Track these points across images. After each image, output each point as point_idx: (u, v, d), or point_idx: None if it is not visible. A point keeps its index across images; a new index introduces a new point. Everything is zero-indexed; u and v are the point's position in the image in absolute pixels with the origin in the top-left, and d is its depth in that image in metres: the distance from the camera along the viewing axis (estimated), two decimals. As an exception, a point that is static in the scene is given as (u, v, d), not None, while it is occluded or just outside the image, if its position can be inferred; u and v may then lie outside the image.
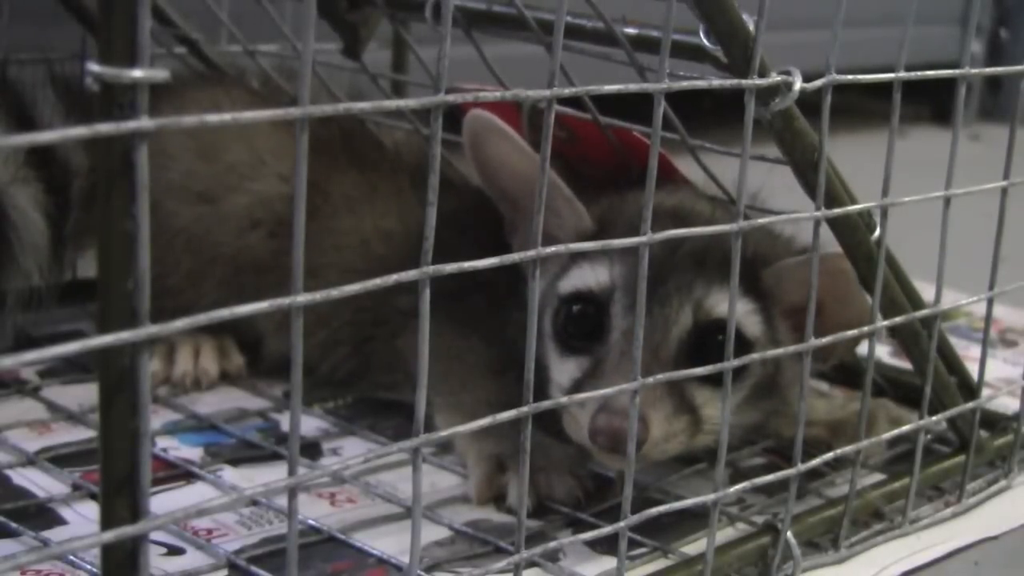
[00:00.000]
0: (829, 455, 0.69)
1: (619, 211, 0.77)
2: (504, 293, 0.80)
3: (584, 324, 0.74)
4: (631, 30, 0.71)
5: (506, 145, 0.75)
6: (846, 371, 0.91)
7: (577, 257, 0.75)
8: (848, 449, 0.69)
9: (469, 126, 0.76)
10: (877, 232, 0.70)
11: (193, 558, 0.68)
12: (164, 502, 0.73)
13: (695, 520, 0.73)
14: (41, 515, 0.72)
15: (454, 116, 0.80)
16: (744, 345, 0.73)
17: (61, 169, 0.95)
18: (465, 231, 0.78)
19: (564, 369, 0.74)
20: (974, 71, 0.73)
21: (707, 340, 0.72)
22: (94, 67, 0.40)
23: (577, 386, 0.72)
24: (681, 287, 0.73)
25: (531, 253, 0.53)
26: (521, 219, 0.79)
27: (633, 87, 0.57)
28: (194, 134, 0.92)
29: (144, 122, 0.40)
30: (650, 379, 0.59)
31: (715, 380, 0.65)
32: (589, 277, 0.75)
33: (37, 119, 0.96)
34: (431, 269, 0.49)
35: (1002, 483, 0.83)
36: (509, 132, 0.75)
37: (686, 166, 0.80)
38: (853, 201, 0.69)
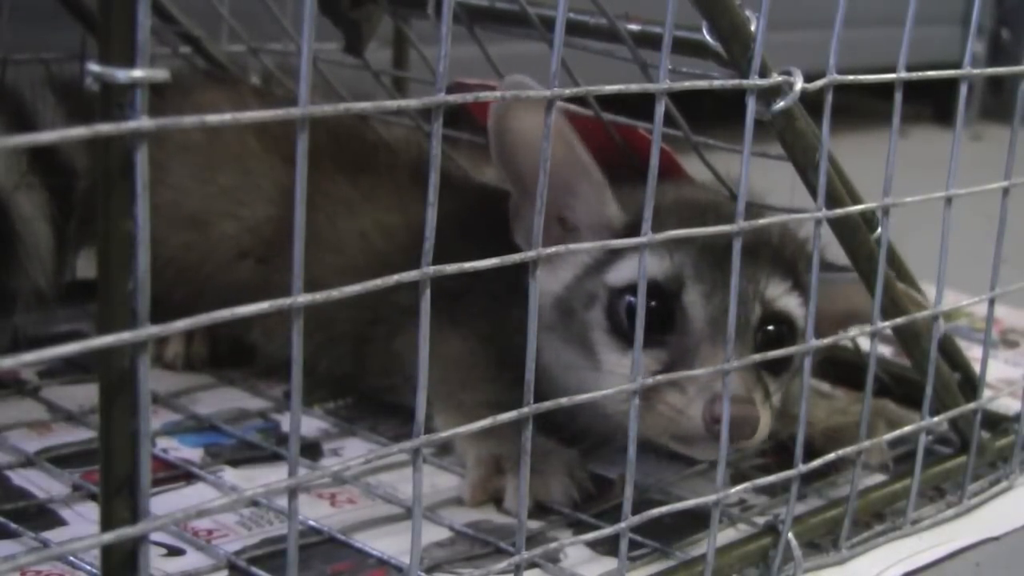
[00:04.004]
0: (831, 456, 0.69)
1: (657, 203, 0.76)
2: (503, 291, 0.79)
3: (648, 316, 0.74)
4: (634, 26, 0.71)
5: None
6: (849, 370, 0.91)
7: (620, 249, 0.74)
8: (849, 450, 0.69)
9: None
10: (878, 231, 0.70)
11: (193, 559, 0.68)
12: (164, 503, 0.73)
13: (696, 521, 0.72)
14: (41, 516, 0.72)
15: (455, 112, 0.80)
16: (796, 337, 0.75)
17: (65, 173, 0.95)
18: (465, 231, 0.78)
19: (629, 364, 0.72)
20: (976, 71, 0.73)
21: (767, 332, 0.74)
22: (94, 67, 0.40)
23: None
24: (750, 279, 0.74)
25: (531, 253, 0.53)
26: (529, 204, 0.76)
27: (634, 87, 0.57)
28: (192, 150, 0.92)
29: (144, 122, 0.40)
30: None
31: (775, 371, 0.74)
32: (649, 267, 0.74)
33: (38, 122, 0.96)
34: (431, 269, 0.49)
35: (1003, 484, 0.83)
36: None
37: (690, 164, 0.80)
38: (856, 201, 0.69)
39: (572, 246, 0.57)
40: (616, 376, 0.73)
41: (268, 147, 0.93)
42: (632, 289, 0.73)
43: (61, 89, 0.98)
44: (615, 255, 0.75)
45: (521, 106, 0.72)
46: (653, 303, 0.72)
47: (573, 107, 0.76)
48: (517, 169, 0.76)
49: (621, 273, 0.74)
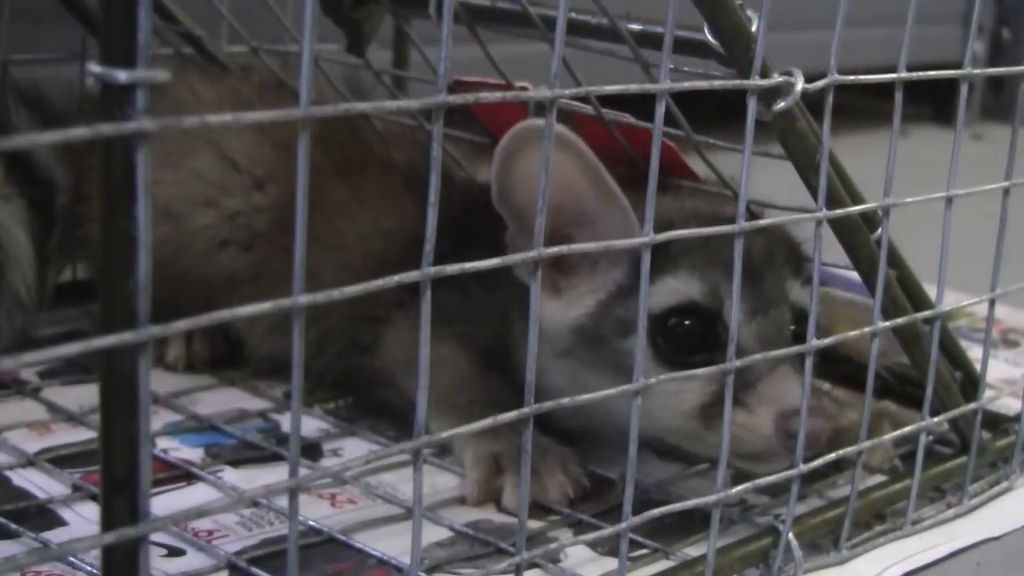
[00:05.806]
0: (831, 456, 0.69)
1: (681, 221, 0.75)
2: (479, 291, 0.79)
3: (693, 338, 0.73)
4: (635, 26, 0.71)
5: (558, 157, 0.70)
6: (849, 368, 0.91)
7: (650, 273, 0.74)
8: (850, 450, 0.69)
9: (517, 135, 0.69)
10: (878, 231, 0.70)
11: (193, 559, 0.68)
12: (164, 503, 0.73)
13: (696, 521, 0.72)
14: (41, 516, 0.72)
15: (452, 109, 0.79)
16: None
17: (43, 185, 0.94)
18: (464, 233, 0.77)
19: (691, 388, 0.72)
20: (976, 71, 0.73)
21: (793, 332, 0.74)
22: (94, 68, 0.40)
23: (718, 402, 0.70)
24: (778, 284, 0.75)
25: (532, 254, 0.53)
26: (528, 239, 0.69)
27: (635, 88, 0.57)
28: (157, 134, 0.89)
29: (145, 123, 0.40)
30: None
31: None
32: (684, 289, 0.73)
33: (12, 128, 0.95)
34: (432, 270, 0.49)
35: (1004, 484, 0.83)
36: (574, 144, 0.70)
37: (691, 163, 0.80)
38: (858, 201, 0.69)
39: (573, 247, 0.57)
40: (669, 401, 0.73)
41: (251, 128, 0.90)
42: (673, 313, 0.73)
43: (28, 99, 0.97)
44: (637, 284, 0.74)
45: (532, 147, 0.69)
46: (692, 323, 0.73)
47: (576, 104, 0.76)
48: (520, 206, 0.72)
49: (658, 298, 0.73)
